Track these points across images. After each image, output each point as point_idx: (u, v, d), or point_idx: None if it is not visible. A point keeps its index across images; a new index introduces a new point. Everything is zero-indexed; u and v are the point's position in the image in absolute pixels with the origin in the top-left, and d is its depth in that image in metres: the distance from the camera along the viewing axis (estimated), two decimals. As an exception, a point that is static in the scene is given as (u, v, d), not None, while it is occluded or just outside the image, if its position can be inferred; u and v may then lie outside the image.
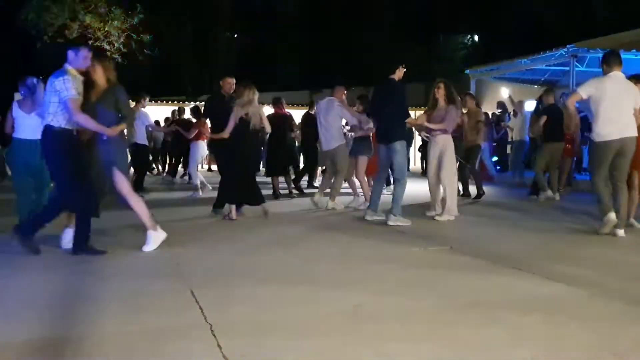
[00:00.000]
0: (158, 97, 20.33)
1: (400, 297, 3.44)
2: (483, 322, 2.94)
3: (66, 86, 4.51)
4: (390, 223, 6.21)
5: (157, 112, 15.22)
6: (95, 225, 4.80)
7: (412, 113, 8.89)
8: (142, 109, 9.80)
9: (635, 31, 12.90)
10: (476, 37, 31.64)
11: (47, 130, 4.59)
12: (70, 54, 4.69)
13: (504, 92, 15.71)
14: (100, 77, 4.74)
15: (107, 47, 26.80)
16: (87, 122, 4.60)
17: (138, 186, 9.60)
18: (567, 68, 13.00)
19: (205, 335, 2.74)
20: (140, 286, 3.70)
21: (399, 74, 6.42)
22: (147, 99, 10.15)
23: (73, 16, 24.38)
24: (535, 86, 15.83)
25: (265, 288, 3.66)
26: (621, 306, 3.22)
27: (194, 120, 10.57)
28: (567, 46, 12.25)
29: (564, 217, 6.87)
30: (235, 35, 31.25)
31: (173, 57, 27.33)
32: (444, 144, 6.71)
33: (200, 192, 9.58)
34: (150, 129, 10.29)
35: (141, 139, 9.67)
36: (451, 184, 6.78)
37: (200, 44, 29.38)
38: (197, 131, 9.86)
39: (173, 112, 13.96)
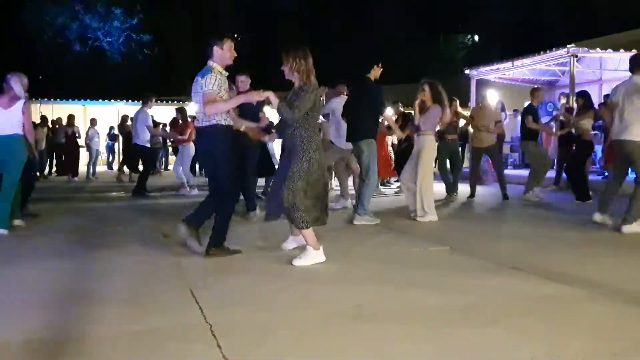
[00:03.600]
0: (158, 97, 20.36)
1: (400, 297, 3.44)
2: (483, 322, 2.94)
3: (207, 81, 4.35)
4: (355, 222, 6.20)
5: (157, 112, 15.25)
6: (96, 225, 4.80)
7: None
8: (148, 109, 9.79)
9: (635, 31, 12.92)
10: (476, 37, 31.67)
11: (214, 128, 4.45)
12: (216, 49, 4.45)
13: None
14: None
15: (107, 47, 26.85)
16: (217, 108, 4.36)
17: (140, 187, 9.62)
18: (567, 68, 13.01)
19: (205, 335, 2.74)
20: (140, 286, 3.70)
21: (375, 73, 6.32)
22: (154, 100, 10.15)
23: (73, 16, 24.41)
24: (535, 86, 15.84)
25: (265, 288, 3.66)
26: (621, 306, 3.22)
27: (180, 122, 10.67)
28: (567, 46, 12.25)
29: (564, 217, 6.87)
30: (236, 35, 31.26)
31: (173, 57, 27.36)
32: (421, 144, 6.49)
33: (189, 190, 9.68)
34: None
35: (142, 140, 9.68)
36: (426, 184, 6.47)
37: (200, 44, 29.41)
38: (190, 132, 9.87)
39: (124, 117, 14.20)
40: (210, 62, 4.48)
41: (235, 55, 4.56)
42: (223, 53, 4.48)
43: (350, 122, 6.49)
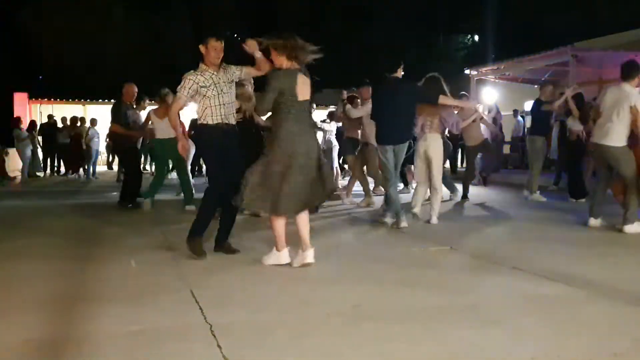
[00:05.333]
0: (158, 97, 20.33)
1: (400, 297, 3.44)
2: (483, 322, 2.94)
3: (181, 85, 4.52)
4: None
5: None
6: (96, 225, 4.79)
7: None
8: (141, 111, 9.79)
9: (635, 31, 12.91)
10: (476, 37, 31.66)
11: (196, 126, 4.71)
12: (201, 48, 4.52)
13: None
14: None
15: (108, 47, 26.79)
16: (172, 123, 4.74)
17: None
18: (567, 68, 13.00)
19: (205, 335, 2.74)
20: (141, 286, 3.70)
21: (398, 74, 6.13)
22: (147, 100, 10.16)
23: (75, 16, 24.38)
24: (535, 86, 15.84)
25: (265, 288, 3.66)
26: (621, 306, 3.22)
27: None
28: (567, 46, 12.24)
29: (564, 217, 6.87)
30: (235, 35, 31.26)
31: (173, 57, 27.32)
32: (438, 144, 6.39)
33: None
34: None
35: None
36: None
37: (200, 44, 29.31)
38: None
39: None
40: (200, 63, 4.58)
41: (222, 55, 4.54)
42: (207, 52, 4.52)
43: (386, 124, 6.08)
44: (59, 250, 4.95)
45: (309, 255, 4.19)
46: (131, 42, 27.62)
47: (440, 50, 30.88)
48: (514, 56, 14.38)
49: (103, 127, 16.98)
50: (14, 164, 15.41)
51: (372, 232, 5.89)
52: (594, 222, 5.96)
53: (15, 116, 16.10)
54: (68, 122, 16.62)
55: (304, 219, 4.22)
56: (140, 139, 14.76)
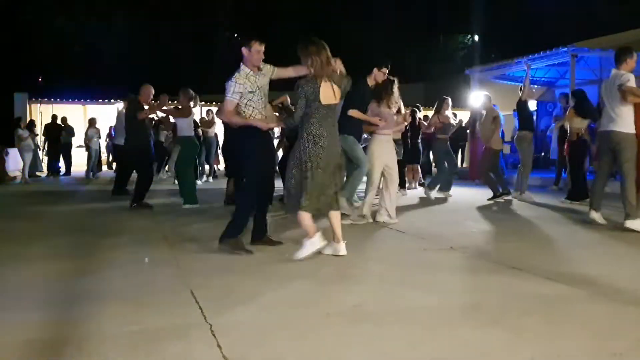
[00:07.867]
0: (157, 97, 20.32)
1: (400, 297, 3.44)
2: (483, 322, 2.94)
3: (228, 87, 4.51)
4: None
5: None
6: (96, 225, 4.79)
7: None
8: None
9: (635, 31, 12.91)
10: (476, 37, 31.65)
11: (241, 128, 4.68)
12: (244, 50, 4.56)
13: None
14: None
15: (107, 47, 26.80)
16: (230, 121, 4.74)
17: (119, 187, 9.56)
18: (567, 68, 12.99)
19: (205, 335, 2.74)
20: (141, 286, 3.70)
21: (376, 76, 6.14)
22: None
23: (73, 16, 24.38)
24: (535, 86, 15.84)
25: (265, 288, 3.65)
26: (621, 306, 3.22)
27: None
28: (567, 46, 12.24)
29: (564, 217, 6.87)
30: (235, 35, 31.24)
31: (173, 57, 27.35)
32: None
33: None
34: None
35: (119, 139, 9.76)
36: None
37: (199, 44, 29.32)
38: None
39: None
40: (241, 65, 4.60)
41: (263, 57, 4.64)
42: (250, 55, 4.57)
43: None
44: (58, 251, 4.95)
45: (342, 248, 4.51)
46: (131, 42, 27.64)
47: (440, 50, 30.90)
48: (514, 56, 14.38)
49: (103, 127, 17.11)
50: (14, 164, 15.42)
51: (371, 232, 5.89)
52: (594, 214, 5.95)
53: (15, 116, 16.16)
54: (69, 122, 16.68)
55: (336, 215, 4.53)
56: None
